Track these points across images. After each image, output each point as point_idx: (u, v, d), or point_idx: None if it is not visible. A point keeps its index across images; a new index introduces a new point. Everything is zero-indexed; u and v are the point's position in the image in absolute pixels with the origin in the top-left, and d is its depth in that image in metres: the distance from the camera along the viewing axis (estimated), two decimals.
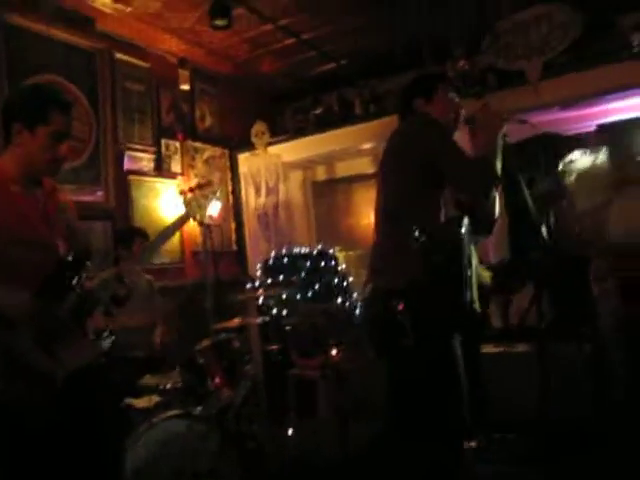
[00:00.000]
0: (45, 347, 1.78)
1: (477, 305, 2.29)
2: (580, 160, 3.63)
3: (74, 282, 1.93)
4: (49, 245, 1.93)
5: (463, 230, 2.17)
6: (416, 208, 2.19)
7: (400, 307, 2.07)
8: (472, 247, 2.33)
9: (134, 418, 2.64)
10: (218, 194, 2.49)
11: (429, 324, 2.09)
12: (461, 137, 2.50)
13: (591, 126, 4.60)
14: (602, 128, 4.27)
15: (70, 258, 1.93)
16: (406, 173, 2.23)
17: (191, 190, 2.43)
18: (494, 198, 2.24)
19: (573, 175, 3.54)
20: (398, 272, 2.16)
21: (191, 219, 2.46)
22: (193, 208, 2.38)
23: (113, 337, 2.05)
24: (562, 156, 4.08)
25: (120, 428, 2.32)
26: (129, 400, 2.77)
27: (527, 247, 2.98)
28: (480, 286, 2.48)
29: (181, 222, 2.40)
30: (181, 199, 2.44)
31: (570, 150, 4.17)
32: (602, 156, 3.62)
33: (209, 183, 2.48)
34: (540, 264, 3.53)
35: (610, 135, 4.09)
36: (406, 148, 2.28)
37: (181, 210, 2.48)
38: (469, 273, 2.20)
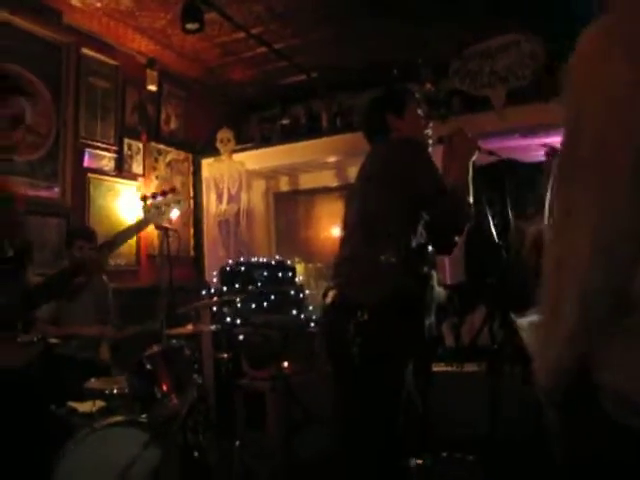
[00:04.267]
0: None
1: (433, 327, 2.32)
2: None
3: (14, 278, 1.86)
4: None
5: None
6: (393, 227, 2.16)
7: (361, 321, 2.05)
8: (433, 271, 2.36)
9: (76, 422, 2.56)
10: (181, 203, 2.43)
11: (383, 346, 2.09)
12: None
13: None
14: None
15: (10, 254, 1.86)
16: (386, 192, 2.20)
17: (153, 196, 2.37)
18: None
19: None
20: (366, 287, 2.13)
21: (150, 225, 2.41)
22: (153, 215, 2.32)
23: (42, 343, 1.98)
24: (522, 182, 4.18)
25: (47, 435, 2.23)
26: (72, 404, 2.69)
27: (486, 270, 3.02)
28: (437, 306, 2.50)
29: (138, 228, 2.34)
30: (141, 204, 2.38)
31: (529, 176, 4.27)
32: None
33: (172, 190, 2.42)
34: (493, 287, 3.58)
35: None
36: (387, 168, 2.24)
37: (140, 214, 2.42)
38: (432, 298, 2.23)
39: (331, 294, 2.26)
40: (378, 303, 2.07)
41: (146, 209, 2.36)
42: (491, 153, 2.45)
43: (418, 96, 2.58)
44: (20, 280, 1.89)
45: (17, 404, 1.87)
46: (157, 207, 2.35)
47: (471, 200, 2.23)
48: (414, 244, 2.16)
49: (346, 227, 2.42)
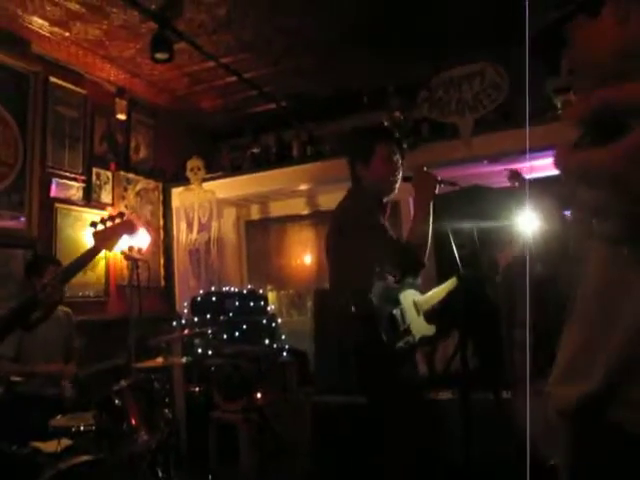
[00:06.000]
0: None
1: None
2: None
3: None
4: None
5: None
6: (356, 278, 2.37)
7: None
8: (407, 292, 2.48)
9: (41, 463, 2.46)
10: (136, 231, 2.36)
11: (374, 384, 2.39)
12: (405, 192, 2.64)
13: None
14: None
15: None
16: (341, 247, 2.45)
17: (102, 221, 2.27)
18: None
19: None
20: (340, 335, 2.47)
21: (104, 251, 2.33)
22: (102, 242, 2.24)
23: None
24: (491, 208, 4.22)
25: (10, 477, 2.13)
26: (36, 443, 2.59)
27: (454, 297, 3.05)
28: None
29: (89, 256, 2.25)
30: (91, 230, 2.27)
31: (497, 202, 4.32)
32: None
33: (121, 215, 2.33)
34: (465, 313, 3.59)
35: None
36: (340, 226, 2.49)
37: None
38: (404, 327, 2.43)
39: None
40: (355, 349, 2.36)
41: (96, 236, 2.26)
42: (452, 184, 2.56)
43: (389, 127, 2.72)
44: None
45: None
46: (104, 233, 2.25)
47: (429, 238, 2.43)
48: (376, 285, 2.37)
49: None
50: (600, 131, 0.86)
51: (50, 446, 2.57)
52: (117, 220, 2.27)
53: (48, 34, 4.25)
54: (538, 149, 4.46)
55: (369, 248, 2.36)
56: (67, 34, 4.27)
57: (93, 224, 2.28)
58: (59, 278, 2.08)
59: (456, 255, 2.34)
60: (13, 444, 2.48)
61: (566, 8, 1.11)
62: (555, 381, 1.11)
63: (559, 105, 4.44)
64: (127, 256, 4.41)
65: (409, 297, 2.62)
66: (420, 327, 2.61)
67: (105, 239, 2.24)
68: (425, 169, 2.51)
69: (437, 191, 2.48)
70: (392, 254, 2.37)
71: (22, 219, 4.26)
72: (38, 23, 4.10)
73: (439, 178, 2.48)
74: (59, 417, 2.85)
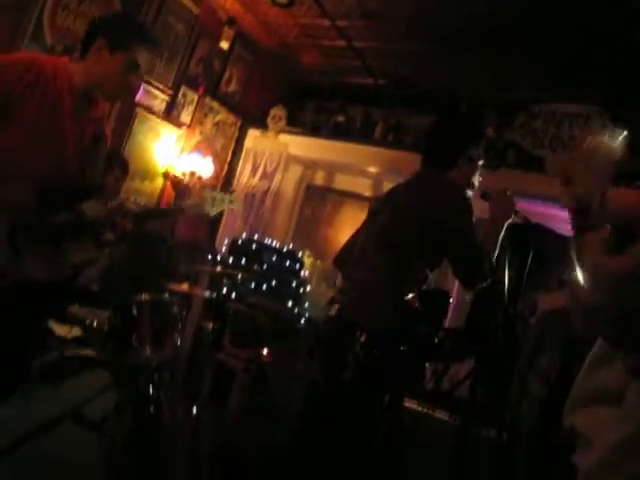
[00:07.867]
0: (14, 245, 1.81)
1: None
2: None
3: (70, 207, 1.96)
4: (66, 168, 1.94)
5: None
6: (416, 264, 2.23)
7: (360, 345, 2.12)
8: None
9: (48, 345, 2.56)
10: (235, 205, 2.47)
11: (378, 374, 2.14)
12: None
13: None
14: None
15: (78, 185, 1.98)
16: (421, 230, 2.20)
17: (214, 188, 2.42)
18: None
19: None
20: (375, 316, 2.17)
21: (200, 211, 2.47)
22: (207, 204, 2.36)
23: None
24: (548, 252, 4.10)
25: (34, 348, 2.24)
26: (51, 324, 2.69)
27: (485, 327, 2.99)
28: None
29: (173, 212, 2.40)
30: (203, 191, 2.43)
31: (555, 247, 4.20)
32: None
33: (233, 192, 2.48)
34: (488, 343, 3.52)
35: None
36: (432, 208, 2.23)
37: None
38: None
39: (335, 307, 2.31)
40: (380, 331, 2.12)
41: (204, 198, 2.40)
42: (525, 219, 2.45)
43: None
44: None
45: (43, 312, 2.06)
46: (214, 199, 2.39)
47: (494, 259, 2.24)
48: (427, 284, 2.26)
49: (364, 245, 2.40)
50: (618, 235, 0.83)
51: (62, 330, 2.67)
52: (227, 194, 2.47)
53: None
54: None
55: (455, 237, 2.18)
56: None
57: (204, 185, 2.42)
58: (137, 214, 2.22)
59: (505, 288, 2.26)
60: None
61: None
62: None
63: None
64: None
65: None
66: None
67: (210, 204, 2.38)
68: (508, 193, 2.35)
69: (510, 220, 2.32)
70: (477, 253, 2.18)
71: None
72: None
73: (517, 208, 2.33)
74: (77, 306, 2.94)
